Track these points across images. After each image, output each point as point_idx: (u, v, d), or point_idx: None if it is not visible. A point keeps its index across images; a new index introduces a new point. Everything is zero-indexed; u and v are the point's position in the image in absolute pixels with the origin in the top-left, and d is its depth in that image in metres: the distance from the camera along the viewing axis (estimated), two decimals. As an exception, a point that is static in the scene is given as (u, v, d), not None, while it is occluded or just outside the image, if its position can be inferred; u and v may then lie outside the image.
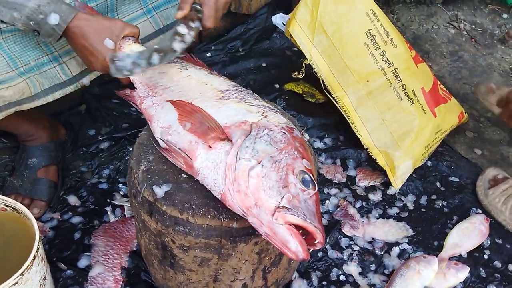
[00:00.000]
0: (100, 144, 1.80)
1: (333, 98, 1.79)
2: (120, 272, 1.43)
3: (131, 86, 1.36)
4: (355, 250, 1.58)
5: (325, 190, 1.75)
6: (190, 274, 1.24)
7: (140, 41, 1.35)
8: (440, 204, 1.75)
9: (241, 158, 1.04)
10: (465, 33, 2.61)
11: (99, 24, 1.23)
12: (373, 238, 1.62)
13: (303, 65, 1.85)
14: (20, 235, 1.21)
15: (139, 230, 1.31)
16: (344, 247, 1.59)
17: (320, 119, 1.97)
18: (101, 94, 1.93)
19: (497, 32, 2.63)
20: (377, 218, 1.68)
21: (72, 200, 1.62)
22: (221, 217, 1.10)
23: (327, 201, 1.71)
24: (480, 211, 1.73)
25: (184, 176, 1.18)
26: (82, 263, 1.45)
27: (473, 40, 2.58)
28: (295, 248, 0.96)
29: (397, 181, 1.75)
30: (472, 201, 1.77)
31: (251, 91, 1.30)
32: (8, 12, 1.17)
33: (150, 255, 1.32)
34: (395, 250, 1.59)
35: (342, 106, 1.78)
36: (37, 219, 1.32)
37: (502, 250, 1.64)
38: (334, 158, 1.86)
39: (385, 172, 1.76)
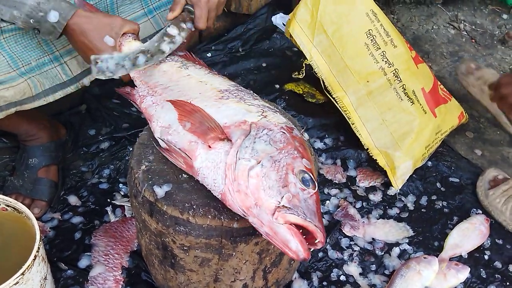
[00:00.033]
0: (101, 144, 1.80)
1: (333, 98, 1.79)
2: (120, 272, 1.43)
3: (132, 84, 1.36)
4: (355, 251, 1.59)
5: (326, 191, 1.75)
6: (190, 274, 1.24)
7: (139, 37, 1.35)
8: (441, 205, 1.75)
9: (240, 158, 1.04)
10: (465, 33, 2.61)
11: (99, 21, 1.23)
12: (373, 239, 1.62)
13: (303, 65, 1.85)
14: (21, 235, 1.21)
15: (139, 230, 1.31)
16: (345, 248, 1.59)
17: (320, 119, 1.98)
18: (102, 94, 1.93)
19: (497, 32, 2.63)
20: (378, 219, 1.68)
21: (73, 200, 1.62)
22: (222, 217, 1.10)
23: (328, 202, 1.71)
24: (480, 212, 1.73)
25: (185, 176, 1.18)
26: (83, 263, 1.45)
27: (473, 40, 2.58)
28: (296, 247, 0.96)
29: (398, 182, 1.75)
30: (473, 201, 1.78)
31: (251, 91, 1.30)
32: (8, 10, 1.17)
33: (151, 255, 1.32)
34: (396, 250, 1.59)
35: (342, 107, 1.78)
36: (37, 219, 1.31)
37: (502, 250, 1.64)
38: (334, 158, 1.87)
39: (385, 172, 1.76)
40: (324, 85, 1.80)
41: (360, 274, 1.53)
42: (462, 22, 2.66)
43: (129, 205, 1.58)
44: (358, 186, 1.78)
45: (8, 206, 1.22)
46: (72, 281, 1.41)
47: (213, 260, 1.18)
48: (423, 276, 1.47)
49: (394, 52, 1.77)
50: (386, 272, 1.55)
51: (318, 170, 1.39)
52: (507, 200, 1.70)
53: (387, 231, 1.65)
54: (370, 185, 1.79)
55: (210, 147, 1.10)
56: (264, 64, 2.21)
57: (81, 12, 1.21)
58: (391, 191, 1.77)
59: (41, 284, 1.17)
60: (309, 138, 1.34)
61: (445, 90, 1.95)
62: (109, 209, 1.59)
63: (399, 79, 1.76)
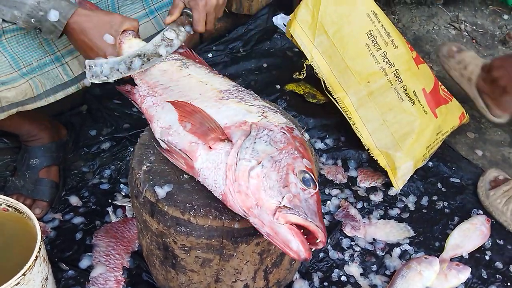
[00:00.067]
0: (102, 144, 1.80)
1: (334, 98, 1.80)
2: (121, 273, 1.43)
3: (132, 81, 1.36)
4: (356, 251, 1.59)
5: (326, 191, 1.75)
6: (191, 275, 1.24)
7: (139, 35, 1.35)
8: (441, 205, 1.75)
9: (241, 158, 1.04)
10: (466, 34, 2.61)
11: (98, 19, 1.23)
12: (374, 239, 1.62)
13: (304, 65, 1.85)
14: (22, 236, 1.21)
15: (140, 230, 1.32)
16: (345, 248, 1.59)
17: (321, 119, 1.98)
18: (102, 95, 1.93)
19: (498, 33, 2.63)
20: (378, 219, 1.68)
21: (74, 200, 1.62)
22: (223, 218, 1.10)
23: (328, 202, 1.71)
24: (481, 212, 1.73)
25: (186, 176, 1.18)
26: (84, 263, 1.45)
27: (474, 41, 2.58)
28: (297, 247, 0.96)
29: (398, 182, 1.75)
30: (473, 202, 1.77)
31: (251, 91, 1.30)
32: (9, 10, 1.17)
33: (152, 256, 1.32)
34: (396, 251, 1.59)
35: (343, 107, 1.78)
36: (38, 219, 1.31)
37: (503, 251, 1.64)
38: (335, 159, 1.87)
39: (386, 173, 1.76)
40: (325, 86, 1.80)
41: (361, 274, 1.53)
42: (463, 22, 2.66)
43: (130, 206, 1.58)
44: (359, 187, 1.78)
45: (9, 206, 1.22)
46: (73, 282, 1.41)
47: (214, 260, 1.18)
48: (424, 277, 1.47)
49: (395, 52, 1.77)
50: (387, 272, 1.55)
51: (319, 170, 1.39)
52: (508, 201, 1.70)
53: (388, 231, 1.65)
54: (371, 185, 1.79)
55: (210, 148, 1.10)
56: (265, 65, 2.21)
57: (81, 11, 1.21)
58: (392, 192, 1.77)
59: (42, 285, 1.17)
60: (309, 138, 1.34)
61: (446, 90, 1.95)
62: (110, 209, 1.59)
63: (400, 79, 1.76)
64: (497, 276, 1.57)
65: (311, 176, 1.05)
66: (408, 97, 1.76)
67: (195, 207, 1.12)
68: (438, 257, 1.54)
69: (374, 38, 1.76)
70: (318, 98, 2.05)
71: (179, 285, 1.31)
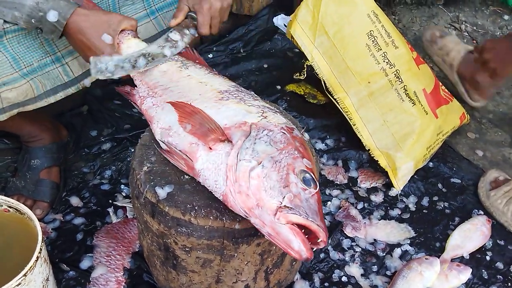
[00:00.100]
0: (102, 145, 1.80)
1: (335, 99, 1.80)
2: (122, 273, 1.43)
3: (131, 82, 1.35)
4: (357, 252, 1.59)
5: (327, 192, 1.75)
6: (192, 275, 1.25)
7: (138, 34, 1.35)
8: (442, 205, 1.75)
9: (241, 159, 1.04)
10: (466, 34, 2.61)
11: (96, 19, 1.22)
12: (375, 240, 1.62)
13: (305, 66, 1.85)
14: (23, 236, 1.21)
15: (141, 231, 1.32)
16: (346, 248, 1.59)
17: (322, 120, 1.98)
18: (103, 96, 1.93)
19: (498, 33, 2.63)
20: (379, 220, 1.68)
21: (75, 201, 1.62)
22: (224, 218, 1.11)
23: (329, 203, 1.71)
24: (482, 213, 1.73)
25: (186, 177, 1.18)
26: (85, 264, 1.45)
27: (475, 41, 2.58)
28: (298, 247, 0.96)
29: (399, 182, 1.75)
30: (474, 202, 1.77)
31: (251, 92, 1.30)
32: (10, 12, 1.17)
33: (153, 256, 1.32)
34: (397, 251, 1.59)
35: (344, 107, 1.78)
36: (39, 220, 1.31)
37: (504, 251, 1.64)
38: (335, 159, 1.87)
39: (386, 173, 1.76)
40: (326, 86, 1.80)
41: (362, 275, 1.53)
42: (463, 23, 2.66)
43: (131, 206, 1.58)
44: (360, 187, 1.78)
45: (10, 207, 1.22)
46: (74, 282, 1.41)
47: (215, 261, 1.18)
48: (424, 277, 1.47)
49: (396, 53, 1.77)
50: (388, 273, 1.55)
51: (319, 171, 1.39)
52: (509, 201, 1.70)
53: (389, 232, 1.65)
54: (371, 186, 1.79)
55: (211, 148, 1.10)
56: (265, 65, 2.21)
57: (80, 10, 1.21)
58: (393, 192, 1.76)
59: (43, 285, 1.17)
60: (309, 139, 1.34)
61: (447, 91, 1.95)
62: (110, 210, 1.59)
63: (400, 80, 1.76)
64: (498, 276, 1.57)
65: (312, 176, 1.05)
66: (409, 97, 1.76)
67: (196, 207, 1.12)
68: (438, 258, 1.54)
69: (374, 39, 1.76)
70: (319, 99, 2.05)
71: (180, 286, 1.31)
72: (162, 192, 1.14)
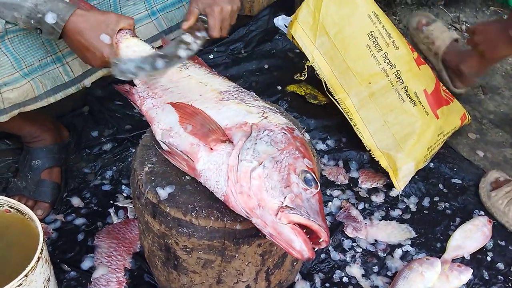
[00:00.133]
0: (103, 145, 1.80)
1: (335, 100, 1.80)
2: (123, 274, 1.43)
3: (130, 82, 1.35)
4: (358, 252, 1.59)
5: (328, 192, 1.75)
6: (193, 276, 1.25)
7: (137, 34, 1.35)
8: (443, 206, 1.75)
9: (242, 159, 1.05)
10: (467, 34, 2.61)
11: (94, 19, 1.22)
12: (376, 240, 1.62)
13: (305, 67, 1.85)
14: (24, 237, 1.21)
15: (142, 231, 1.32)
16: (347, 249, 1.59)
17: (323, 121, 1.98)
18: (104, 96, 1.93)
19: (499, 33, 2.63)
20: (380, 220, 1.68)
21: (76, 201, 1.62)
22: (225, 219, 1.11)
23: (330, 203, 1.71)
24: (483, 213, 1.73)
25: (187, 177, 1.18)
26: (86, 264, 1.45)
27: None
28: (300, 247, 0.96)
29: (400, 183, 1.75)
30: (475, 203, 1.77)
31: (252, 92, 1.30)
32: (9, 12, 1.17)
33: (154, 257, 1.32)
34: (398, 252, 1.59)
35: (344, 108, 1.78)
36: (40, 220, 1.31)
37: (505, 252, 1.64)
38: (336, 159, 1.87)
39: (387, 174, 1.76)
40: (326, 87, 1.80)
41: (363, 275, 1.53)
42: (464, 23, 2.66)
43: (132, 207, 1.58)
44: (360, 188, 1.78)
45: (11, 207, 1.22)
46: (75, 283, 1.41)
47: (216, 261, 1.18)
48: (425, 278, 1.47)
49: (396, 53, 1.77)
50: (389, 273, 1.54)
51: (320, 171, 1.39)
52: (510, 202, 1.70)
53: (390, 232, 1.65)
54: (372, 186, 1.79)
55: (212, 149, 1.10)
56: (266, 66, 2.21)
57: (78, 11, 1.20)
58: (393, 193, 1.76)
59: (44, 286, 1.17)
60: (310, 139, 1.34)
61: (447, 91, 1.95)
62: (111, 210, 1.59)
63: (401, 80, 1.76)
64: (498, 277, 1.56)
65: (313, 176, 1.05)
66: (409, 98, 1.76)
67: (197, 208, 1.12)
68: (439, 258, 1.54)
69: (375, 39, 1.76)
70: (319, 99, 2.05)
71: (180, 286, 1.31)
72: (163, 193, 1.14)
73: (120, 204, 1.60)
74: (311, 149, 1.19)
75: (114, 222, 1.57)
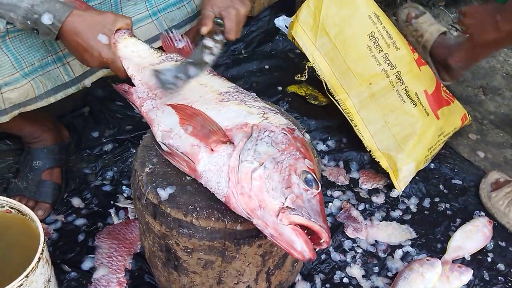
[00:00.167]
0: (104, 146, 1.80)
1: (336, 100, 1.80)
2: (124, 274, 1.44)
3: (129, 81, 1.34)
4: (358, 253, 1.59)
5: (328, 193, 1.75)
6: (194, 277, 1.25)
7: (138, 36, 1.35)
8: (443, 207, 1.75)
9: (243, 160, 1.04)
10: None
11: (91, 19, 1.21)
12: (376, 241, 1.62)
13: (306, 67, 1.85)
14: (25, 237, 1.21)
15: (143, 232, 1.32)
16: (347, 250, 1.59)
17: (323, 121, 1.98)
18: (104, 96, 1.93)
19: (499, 34, 2.63)
20: (380, 221, 1.68)
21: (76, 202, 1.62)
22: (225, 220, 1.11)
23: (330, 204, 1.71)
24: (483, 214, 1.73)
25: (188, 178, 1.18)
26: (86, 265, 1.45)
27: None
28: (301, 248, 0.96)
29: (400, 184, 1.75)
30: (475, 203, 1.77)
31: (252, 93, 1.30)
32: (6, 13, 1.16)
33: (154, 257, 1.32)
34: (398, 252, 1.59)
35: (345, 109, 1.78)
36: (41, 221, 1.32)
37: (505, 253, 1.64)
38: (337, 160, 1.87)
39: (388, 174, 1.76)
40: (327, 87, 1.80)
41: (363, 276, 1.53)
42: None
43: (133, 207, 1.58)
44: (361, 188, 1.78)
45: (12, 208, 1.22)
46: (75, 283, 1.41)
47: (216, 262, 1.18)
48: (426, 278, 1.47)
49: (397, 54, 1.77)
50: (389, 274, 1.54)
51: (321, 172, 1.39)
52: (510, 202, 1.70)
53: (390, 233, 1.65)
54: (372, 187, 1.79)
55: (212, 150, 1.10)
56: (266, 66, 2.21)
57: (75, 11, 1.19)
58: (394, 193, 1.77)
59: (45, 286, 1.17)
60: (311, 140, 1.34)
61: (448, 92, 1.95)
62: (112, 211, 1.59)
63: (401, 81, 1.76)
64: (499, 278, 1.57)
65: (313, 177, 1.05)
66: (410, 98, 1.76)
67: (198, 209, 1.12)
68: (440, 259, 1.54)
69: (375, 40, 1.76)
70: (320, 100, 2.05)
71: (181, 287, 1.31)
72: (164, 193, 1.14)
73: (120, 205, 1.61)
74: (311, 150, 1.19)
75: (115, 223, 1.57)
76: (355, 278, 1.52)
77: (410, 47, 1.83)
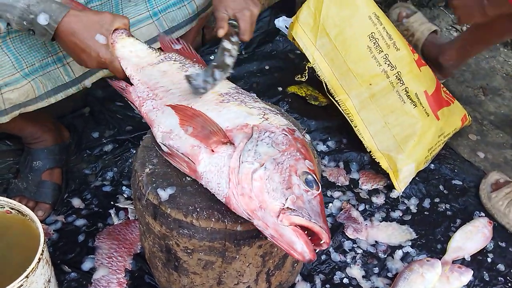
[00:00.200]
0: (104, 146, 1.80)
1: (336, 101, 1.80)
2: (124, 275, 1.44)
3: (127, 79, 1.33)
4: (358, 253, 1.59)
5: (328, 193, 1.75)
6: (194, 277, 1.25)
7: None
8: (443, 207, 1.75)
9: (243, 161, 1.04)
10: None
11: (88, 19, 1.20)
12: (376, 241, 1.62)
13: (306, 68, 1.85)
14: (25, 238, 1.21)
15: (143, 232, 1.32)
16: (348, 250, 1.59)
17: (323, 122, 1.98)
18: (105, 97, 1.93)
19: (499, 34, 2.63)
20: (380, 221, 1.68)
21: (76, 202, 1.62)
22: (225, 220, 1.11)
23: (330, 204, 1.71)
24: (483, 214, 1.73)
25: (188, 179, 1.18)
26: (86, 265, 1.45)
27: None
28: (301, 249, 0.96)
29: (400, 184, 1.75)
30: (475, 204, 1.77)
31: (252, 93, 1.30)
32: (3, 13, 1.16)
33: (154, 258, 1.32)
34: (398, 253, 1.59)
35: (345, 109, 1.78)
36: (41, 221, 1.32)
37: (505, 253, 1.64)
38: (337, 161, 1.87)
39: (388, 175, 1.76)
40: (327, 88, 1.80)
41: (363, 277, 1.53)
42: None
43: (133, 208, 1.58)
44: (361, 189, 1.78)
45: (12, 208, 1.22)
46: (75, 284, 1.41)
47: (217, 263, 1.19)
48: (426, 279, 1.47)
49: (397, 55, 1.77)
50: (389, 275, 1.55)
51: (321, 172, 1.39)
52: (510, 203, 1.70)
53: (390, 233, 1.65)
54: (373, 187, 1.79)
55: (213, 151, 1.10)
56: (267, 67, 2.21)
57: (71, 12, 1.18)
58: (394, 194, 1.77)
59: (45, 287, 1.17)
60: (311, 140, 1.34)
61: (448, 92, 1.95)
62: (112, 211, 1.59)
63: (401, 82, 1.76)
64: (499, 278, 1.57)
65: (314, 177, 1.05)
66: (410, 99, 1.76)
67: (198, 209, 1.12)
68: (440, 260, 1.54)
69: (376, 41, 1.76)
70: (320, 100, 2.05)
71: (181, 288, 1.31)
72: (164, 194, 1.14)
73: (120, 205, 1.60)
74: (311, 151, 1.19)
75: (115, 223, 1.57)
76: (355, 278, 1.52)
77: (410, 48, 1.83)
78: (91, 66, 1.25)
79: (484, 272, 1.57)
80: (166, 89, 1.28)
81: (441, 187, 1.82)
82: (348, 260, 1.56)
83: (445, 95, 1.89)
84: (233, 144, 1.10)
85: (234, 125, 1.14)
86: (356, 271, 1.54)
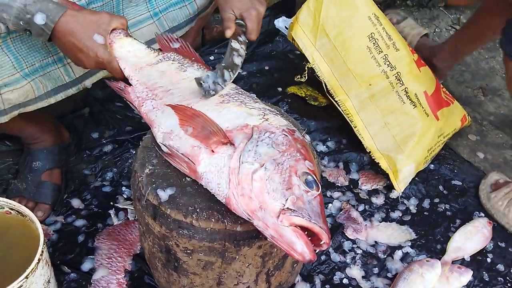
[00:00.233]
0: (104, 147, 1.80)
1: (336, 101, 1.80)
2: (123, 275, 1.44)
3: (125, 80, 1.33)
4: (358, 254, 1.59)
5: (328, 194, 1.75)
6: (193, 278, 1.25)
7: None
8: (443, 208, 1.75)
9: (244, 161, 1.04)
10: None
11: (85, 19, 1.19)
12: (376, 242, 1.62)
13: (306, 68, 1.85)
14: (24, 238, 1.21)
15: (142, 233, 1.32)
16: (347, 251, 1.59)
17: (323, 122, 1.98)
18: (104, 97, 1.93)
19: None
20: (380, 222, 1.68)
21: (76, 203, 1.62)
22: (225, 221, 1.11)
23: (330, 205, 1.71)
24: (483, 215, 1.73)
25: (188, 179, 1.18)
26: (86, 266, 1.45)
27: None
28: (301, 249, 0.96)
29: (400, 185, 1.75)
30: (475, 204, 1.77)
31: (252, 94, 1.30)
32: (1, 14, 1.16)
33: (154, 259, 1.32)
34: (398, 253, 1.59)
35: (345, 110, 1.78)
36: (41, 222, 1.32)
37: (505, 253, 1.64)
38: (336, 161, 1.87)
39: (387, 175, 1.76)
40: (327, 88, 1.81)
41: (363, 277, 1.53)
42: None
43: (132, 208, 1.58)
44: (361, 189, 1.78)
45: (11, 209, 1.22)
46: (75, 284, 1.41)
47: (216, 263, 1.18)
48: (425, 279, 1.47)
49: (397, 55, 1.77)
50: (389, 275, 1.55)
51: (321, 173, 1.39)
52: (509, 203, 1.70)
53: (390, 234, 1.65)
54: (372, 188, 1.79)
55: (213, 151, 1.10)
56: (266, 67, 2.21)
57: (68, 12, 1.18)
58: (394, 194, 1.77)
59: (45, 287, 1.17)
60: (310, 141, 1.34)
61: (448, 93, 1.95)
62: (112, 212, 1.59)
63: (401, 82, 1.77)
64: (498, 278, 1.57)
65: (314, 178, 1.05)
66: (410, 99, 1.76)
67: (198, 210, 1.12)
68: (440, 260, 1.54)
69: (375, 41, 1.76)
70: (320, 101, 2.05)
71: (181, 288, 1.31)
72: (164, 195, 1.14)
73: (120, 206, 1.60)
74: (311, 151, 1.19)
75: (115, 224, 1.57)
76: (354, 279, 1.52)
77: (409, 48, 1.84)
78: (89, 67, 1.24)
79: (484, 272, 1.58)
80: (166, 89, 1.28)
81: (440, 187, 1.82)
82: (348, 261, 1.57)
83: (444, 96, 1.89)
84: (233, 144, 1.09)
85: (234, 126, 1.14)
86: (355, 272, 1.54)
